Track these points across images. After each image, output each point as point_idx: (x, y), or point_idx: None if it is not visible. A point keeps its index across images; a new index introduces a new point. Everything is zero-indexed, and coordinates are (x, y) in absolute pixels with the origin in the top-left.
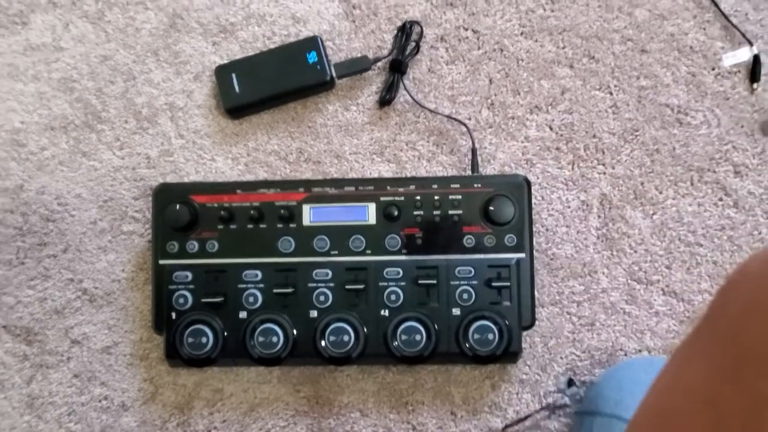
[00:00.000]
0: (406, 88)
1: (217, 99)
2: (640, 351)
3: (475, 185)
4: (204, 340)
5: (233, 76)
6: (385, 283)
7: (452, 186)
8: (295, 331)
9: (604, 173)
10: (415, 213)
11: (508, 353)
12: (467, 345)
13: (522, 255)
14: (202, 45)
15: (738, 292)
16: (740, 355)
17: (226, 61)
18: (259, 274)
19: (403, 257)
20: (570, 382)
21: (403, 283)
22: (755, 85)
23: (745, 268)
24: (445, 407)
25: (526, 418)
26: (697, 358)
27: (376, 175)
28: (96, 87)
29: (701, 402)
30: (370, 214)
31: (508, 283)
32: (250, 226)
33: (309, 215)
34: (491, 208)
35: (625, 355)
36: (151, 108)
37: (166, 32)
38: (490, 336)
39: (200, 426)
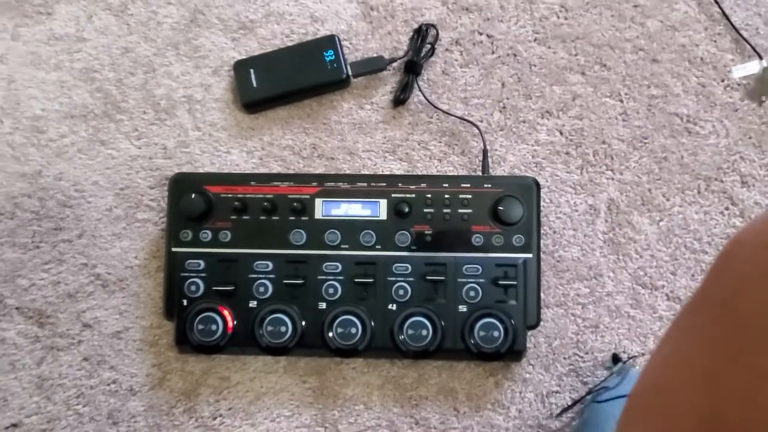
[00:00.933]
0: (420, 89)
1: (234, 93)
2: (643, 354)
3: (485, 185)
4: (214, 327)
5: (251, 71)
6: (394, 278)
7: (463, 185)
8: (303, 322)
9: (613, 179)
10: (426, 210)
11: (512, 351)
12: (472, 341)
13: (529, 255)
14: (222, 40)
15: (733, 265)
16: (736, 330)
17: (244, 57)
18: (270, 264)
19: (412, 253)
20: (615, 358)
21: (411, 279)
22: (764, 98)
23: (740, 239)
24: (448, 403)
25: (575, 403)
26: (694, 332)
27: (388, 173)
28: (116, 78)
29: (698, 377)
30: (381, 210)
31: (515, 282)
32: (263, 217)
33: (321, 209)
34: (500, 208)
35: (629, 358)
36: (169, 100)
37: (187, 27)
38: (496, 333)
39: (206, 413)
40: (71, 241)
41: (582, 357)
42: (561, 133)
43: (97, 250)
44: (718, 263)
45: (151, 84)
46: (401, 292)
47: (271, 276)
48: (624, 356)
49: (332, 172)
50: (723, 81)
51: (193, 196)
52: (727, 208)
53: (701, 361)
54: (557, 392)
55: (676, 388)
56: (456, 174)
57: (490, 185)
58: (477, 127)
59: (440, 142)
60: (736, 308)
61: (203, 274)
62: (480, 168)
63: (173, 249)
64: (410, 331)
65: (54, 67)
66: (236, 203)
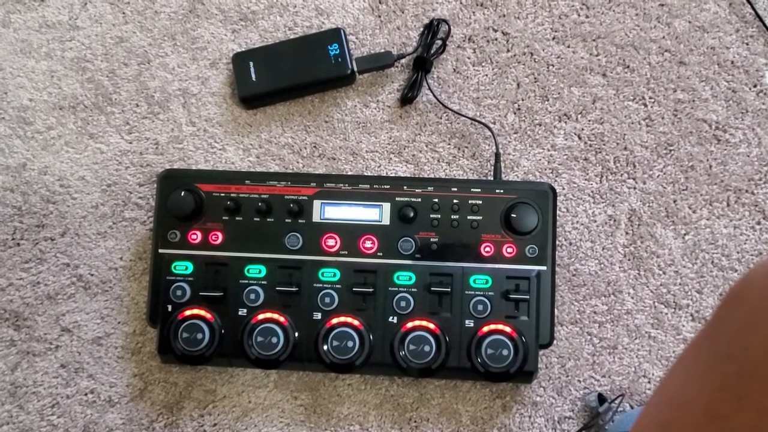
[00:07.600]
0: (429, 87)
1: (232, 88)
2: (625, 395)
3: (497, 191)
4: (199, 336)
5: (251, 64)
6: (395, 289)
7: (473, 190)
8: (296, 333)
9: (635, 188)
10: (432, 216)
11: (522, 372)
12: (479, 360)
13: (543, 268)
14: (221, 32)
15: (742, 304)
16: (743, 370)
17: (244, 49)
18: (263, 270)
19: (416, 262)
20: (601, 398)
21: (414, 290)
22: None
23: (749, 280)
24: (451, 426)
25: None
26: (700, 370)
27: (392, 175)
28: (109, 68)
29: (703, 417)
30: (384, 214)
31: (527, 297)
32: (256, 219)
33: (319, 211)
34: (513, 215)
35: (649, 382)
36: (163, 93)
37: (185, 17)
38: (505, 352)
39: (189, 428)
40: (53, 239)
41: (598, 380)
42: (579, 138)
43: (81, 249)
44: (726, 302)
45: (145, 76)
46: (403, 303)
47: (263, 282)
48: (610, 396)
49: (333, 173)
50: (755, 86)
51: (183, 193)
52: (758, 223)
53: (706, 400)
54: (570, 418)
55: (682, 428)
56: (466, 178)
57: (502, 191)
58: (489, 129)
59: (449, 144)
60: (745, 348)
61: (190, 278)
62: (491, 173)
63: (160, 250)
64: (412, 347)
65: (44, 56)
66: (229, 203)
